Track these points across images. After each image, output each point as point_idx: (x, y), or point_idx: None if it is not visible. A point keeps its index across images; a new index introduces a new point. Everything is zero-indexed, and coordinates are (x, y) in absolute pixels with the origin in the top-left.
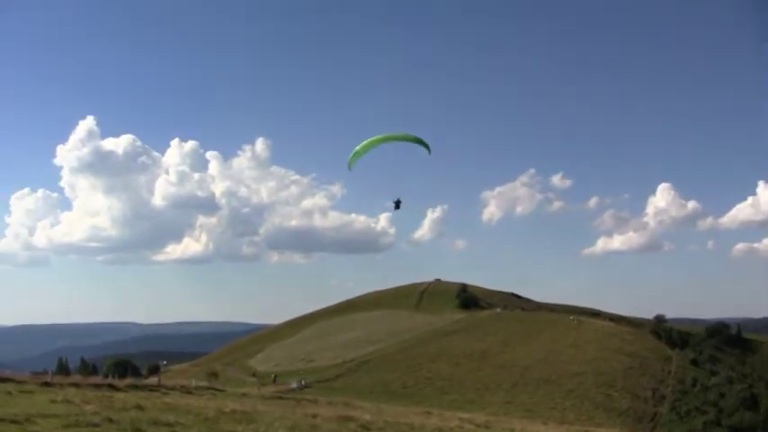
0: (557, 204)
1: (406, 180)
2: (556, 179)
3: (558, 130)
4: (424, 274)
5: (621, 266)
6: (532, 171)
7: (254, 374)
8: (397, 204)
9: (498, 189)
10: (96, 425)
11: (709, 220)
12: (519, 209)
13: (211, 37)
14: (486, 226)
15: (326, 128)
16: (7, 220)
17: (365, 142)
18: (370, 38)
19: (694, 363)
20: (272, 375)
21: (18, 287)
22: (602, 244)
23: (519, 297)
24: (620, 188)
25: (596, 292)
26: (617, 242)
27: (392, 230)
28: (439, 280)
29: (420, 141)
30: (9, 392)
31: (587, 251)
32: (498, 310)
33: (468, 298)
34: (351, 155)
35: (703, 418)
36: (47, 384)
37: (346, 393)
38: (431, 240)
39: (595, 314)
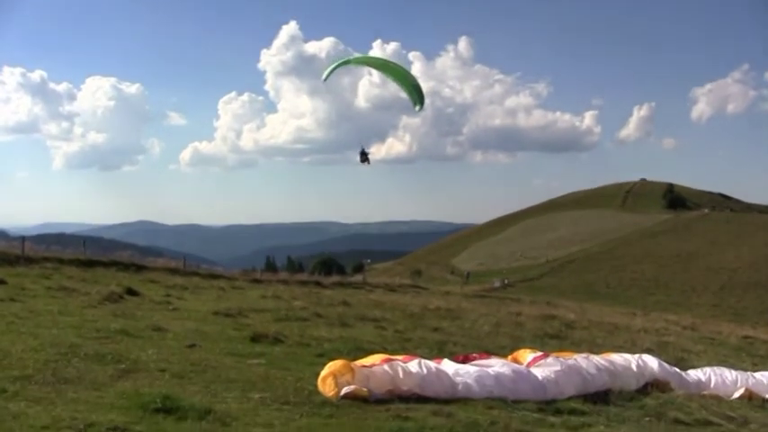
0: None
1: (611, 76)
2: None
3: None
4: (629, 174)
5: None
6: (746, 67)
7: (452, 272)
8: (363, 156)
9: (709, 86)
10: (305, 319)
11: None
12: (730, 106)
13: None
14: (696, 124)
15: (534, 25)
16: (216, 123)
17: (362, 58)
18: None
19: None
20: (465, 273)
21: (228, 189)
22: None
23: (728, 198)
24: None
25: None
26: None
27: (597, 129)
28: (644, 180)
29: (416, 92)
30: (222, 288)
31: None
32: (706, 210)
33: (675, 198)
34: (337, 63)
35: None
36: (256, 281)
37: (549, 293)
38: (637, 139)
39: None
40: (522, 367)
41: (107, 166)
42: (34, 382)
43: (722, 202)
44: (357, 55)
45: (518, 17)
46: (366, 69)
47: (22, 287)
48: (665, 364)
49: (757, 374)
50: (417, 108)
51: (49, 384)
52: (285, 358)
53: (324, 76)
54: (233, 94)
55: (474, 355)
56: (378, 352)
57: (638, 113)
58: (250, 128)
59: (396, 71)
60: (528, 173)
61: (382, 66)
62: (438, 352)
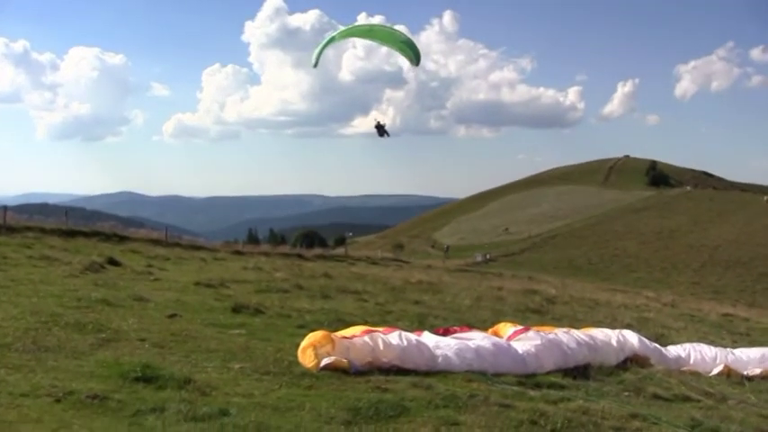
0: (756, 80)
1: (595, 52)
2: (756, 53)
3: None
4: (613, 150)
5: None
6: (731, 44)
7: (432, 246)
8: (381, 130)
9: (693, 63)
10: (286, 291)
11: None
12: (715, 84)
13: None
14: (679, 102)
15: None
16: (199, 95)
17: (346, 30)
18: None
19: None
20: (445, 246)
21: (210, 161)
22: None
23: (711, 176)
24: None
25: None
26: None
27: (581, 105)
28: (628, 156)
29: (408, 47)
30: (203, 260)
31: None
32: (688, 188)
33: (658, 175)
34: (322, 44)
35: None
36: (238, 253)
37: (531, 268)
38: (621, 116)
39: None
40: (503, 341)
41: (90, 137)
42: (14, 349)
43: (705, 179)
44: (341, 28)
45: None
46: (351, 41)
47: (3, 256)
48: (645, 340)
49: (736, 351)
50: (414, 65)
51: (29, 352)
52: (266, 329)
53: (313, 61)
54: (217, 65)
55: (455, 328)
56: (358, 324)
57: (622, 90)
58: (233, 100)
59: (382, 32)
60: (511, 148)
61: (367, 32)
62: (419, 325)
